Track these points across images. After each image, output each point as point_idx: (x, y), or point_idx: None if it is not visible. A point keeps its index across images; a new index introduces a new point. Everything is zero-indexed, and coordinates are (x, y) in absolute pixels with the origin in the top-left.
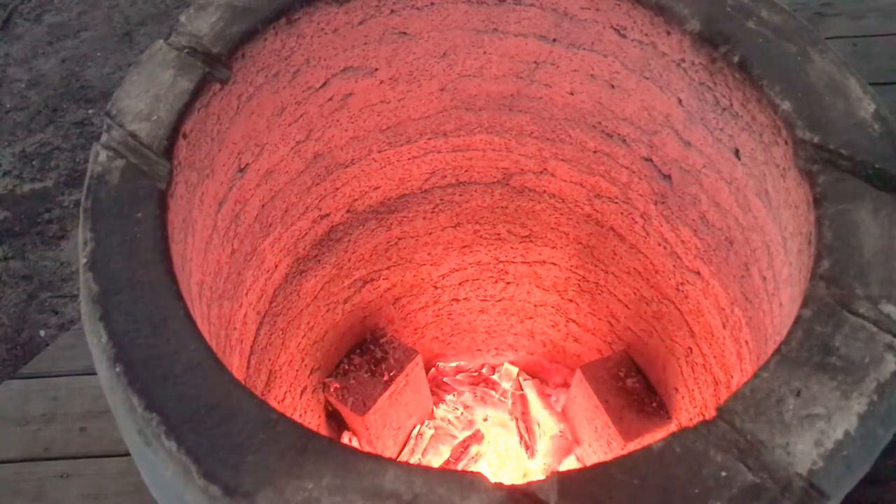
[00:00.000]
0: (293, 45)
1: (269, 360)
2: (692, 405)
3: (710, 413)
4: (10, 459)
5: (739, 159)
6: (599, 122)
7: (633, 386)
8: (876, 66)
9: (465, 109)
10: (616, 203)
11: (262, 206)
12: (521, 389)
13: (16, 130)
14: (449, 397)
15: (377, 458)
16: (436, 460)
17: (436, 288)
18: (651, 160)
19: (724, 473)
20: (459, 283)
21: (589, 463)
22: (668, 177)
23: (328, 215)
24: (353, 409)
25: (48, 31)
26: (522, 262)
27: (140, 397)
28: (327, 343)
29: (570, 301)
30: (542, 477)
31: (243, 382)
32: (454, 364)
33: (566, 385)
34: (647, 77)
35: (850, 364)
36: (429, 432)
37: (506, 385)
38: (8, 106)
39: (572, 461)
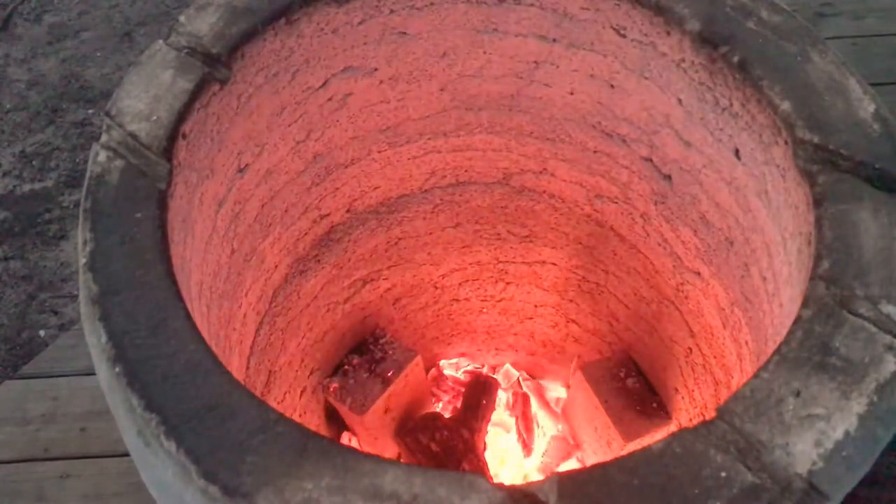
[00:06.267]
0: (293, 45)
1: (269, 360)
2: (692, 405)
3: (710, 413)
4: (10, 460)
5: (739, 159)
6: (599, 122)
7: (634, 386)
8: (876, 66)
9: (465, 109)
10: (616, 203)
11: (262, 206)
12: (522, 389)
13: (16, 130)
14: (447, 398)
15: (377, 459)
16: None
17: (436, 288)
18: (651, 160)
19: (723, 474)
20: (459, 284)
21: (589, 463)
22: (668, 177)
23: (328, 215)
24: (352, 410)
25: (48, 31)
26: (522, 262)
27: (140, 397)
28: (327, 343)
29: (571, 301)
30: (541, 477)
31: (243, 383)
32: (454, 361)
33: (566, 385)
34: (647, 77)
35: (849, 364)
36: None
37: (506, 385)
38: (8, 106)
39: (572, 462)
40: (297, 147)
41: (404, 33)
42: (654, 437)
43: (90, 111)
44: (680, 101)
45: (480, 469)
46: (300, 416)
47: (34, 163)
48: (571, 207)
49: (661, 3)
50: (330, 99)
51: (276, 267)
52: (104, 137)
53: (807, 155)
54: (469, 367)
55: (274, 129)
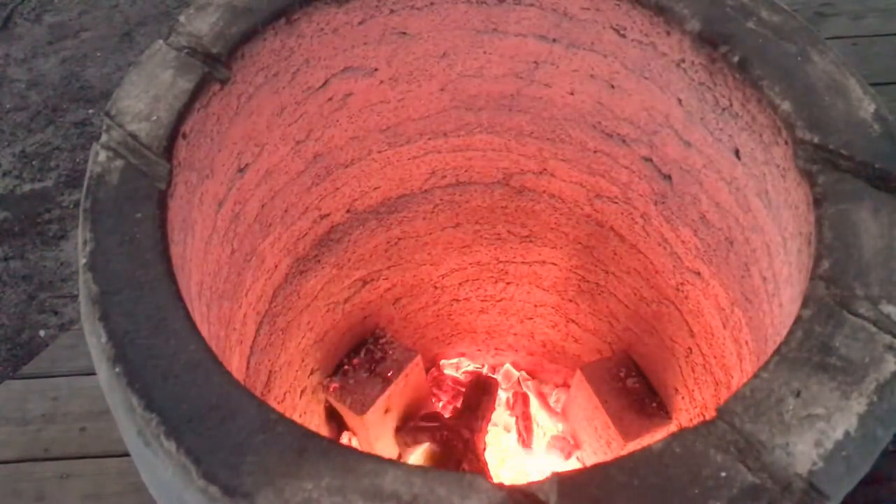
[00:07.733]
0: (293, 45)
1: (269, 360)
2: (692, 405)
3: (710, 413)
4: (10, 460)
5: (739, 159)
6: (599, 122)
7: (634, 386)
8: (876, 66)
9: (465, 109)
10: (616, 203)
11: (262, 206)
12: (522, 389)
13: (16, 130)
14: (447, 398)
15: (377, 459)
16: None
17: (436, 288)
18: (651, 160)
19: (723, 474)
20: (459, 284)
21: (589, 463)
22: (668, 177)
23: (328, 215)
24: (352, 409)
25: (48, 31)
26: (522, 262)
27: (140, 397)
28: (327, 343)
29: (570, 301)
30: (541, 477)
31: (243, 383)
32: (454, 361)
33: (566, 385)
34: (647, 77)
35: (849, 364)
36: None
37: (506, 385)
38: (8, 106)
39: (572, 461)
40: (297, 147)
41: (404, 33)
42: (654, 437)
43: (90, 111)
44: (680, 101)
45: (480, 469)
46: (300, 416)
47: (34, 163)
48: (571, 207)
49: (661, 3)
50: (330, 99)
51: (276, 267)
52: (104, 137)
53: (807, 155)
54: (469, 367)
55: (274, 129)
